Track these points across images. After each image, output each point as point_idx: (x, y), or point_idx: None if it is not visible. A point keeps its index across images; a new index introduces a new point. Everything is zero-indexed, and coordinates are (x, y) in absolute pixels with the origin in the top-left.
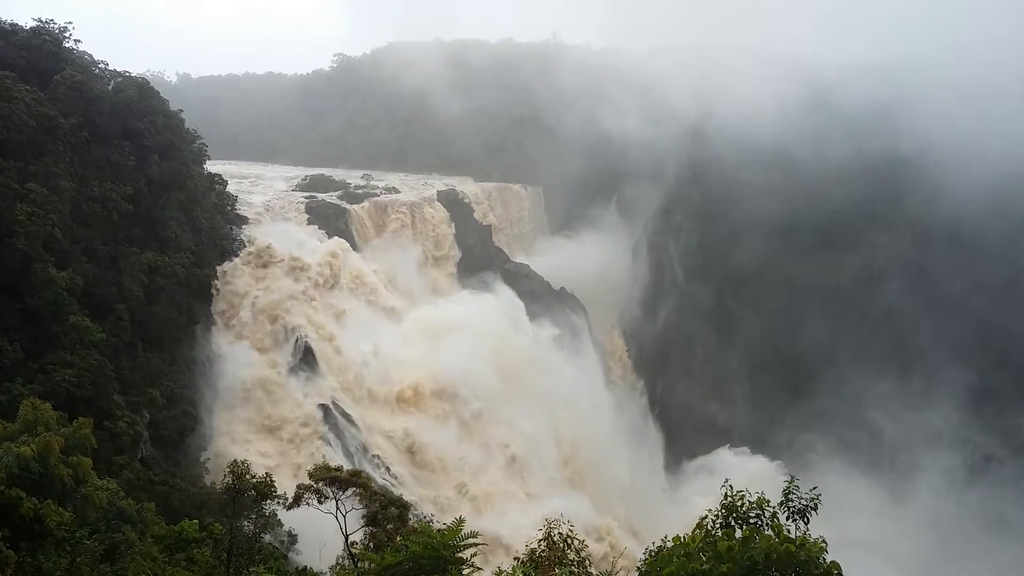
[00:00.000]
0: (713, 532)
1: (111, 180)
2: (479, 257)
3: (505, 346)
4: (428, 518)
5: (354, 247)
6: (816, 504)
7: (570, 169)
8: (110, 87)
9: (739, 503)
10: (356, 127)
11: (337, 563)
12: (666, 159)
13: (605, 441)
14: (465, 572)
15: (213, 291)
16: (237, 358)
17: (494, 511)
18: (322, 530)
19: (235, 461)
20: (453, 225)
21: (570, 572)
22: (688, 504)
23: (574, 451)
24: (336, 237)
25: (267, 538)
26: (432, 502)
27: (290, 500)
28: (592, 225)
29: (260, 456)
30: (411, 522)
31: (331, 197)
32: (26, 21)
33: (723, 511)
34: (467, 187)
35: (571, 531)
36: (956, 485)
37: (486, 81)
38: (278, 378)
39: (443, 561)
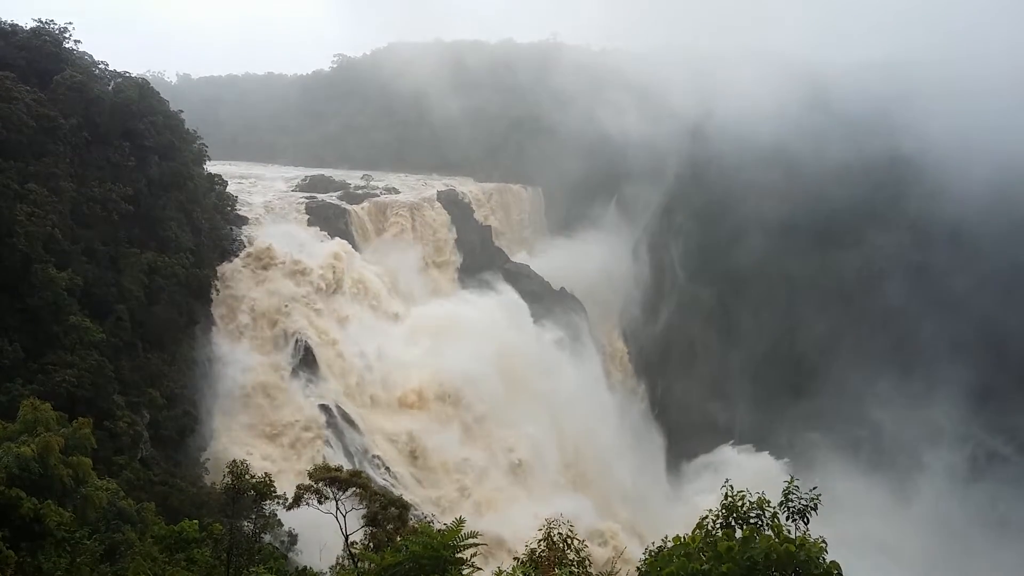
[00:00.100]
0: (713, 532)
1: (111, 180)
2: (479, 257)
3: (509, 349)
4: (428, 518)
5: (354, 247)
6: (816, 504)
7: (570, 169)
8: (110, 87)
9: (739, 503)
10: (356, 128)
11: (337, 563)
12: (666, 159)
13: (608, 444)
14: (465, 572)
15: (213, 292)
16: (237, 359)
17: (496, 513)
18: (322, 530)
19: (234, 461)
20: (453, 226)
21: (570, 572)
22: (691, 503)
23: (577, 455)
24: (337, 238)
25: (267, 538)
26: (433, 503)
27: (290, 500)
28: (592, 225)
29: (263, 460)
30: (411, 522)
31: (331, 197)
32: (26, 21)
33: (723, 511)
34: (467, 187)
35: (571, 531)
36: (959, 483)
37: (486, 81)
38: (280, 382)
39: (443, 561)
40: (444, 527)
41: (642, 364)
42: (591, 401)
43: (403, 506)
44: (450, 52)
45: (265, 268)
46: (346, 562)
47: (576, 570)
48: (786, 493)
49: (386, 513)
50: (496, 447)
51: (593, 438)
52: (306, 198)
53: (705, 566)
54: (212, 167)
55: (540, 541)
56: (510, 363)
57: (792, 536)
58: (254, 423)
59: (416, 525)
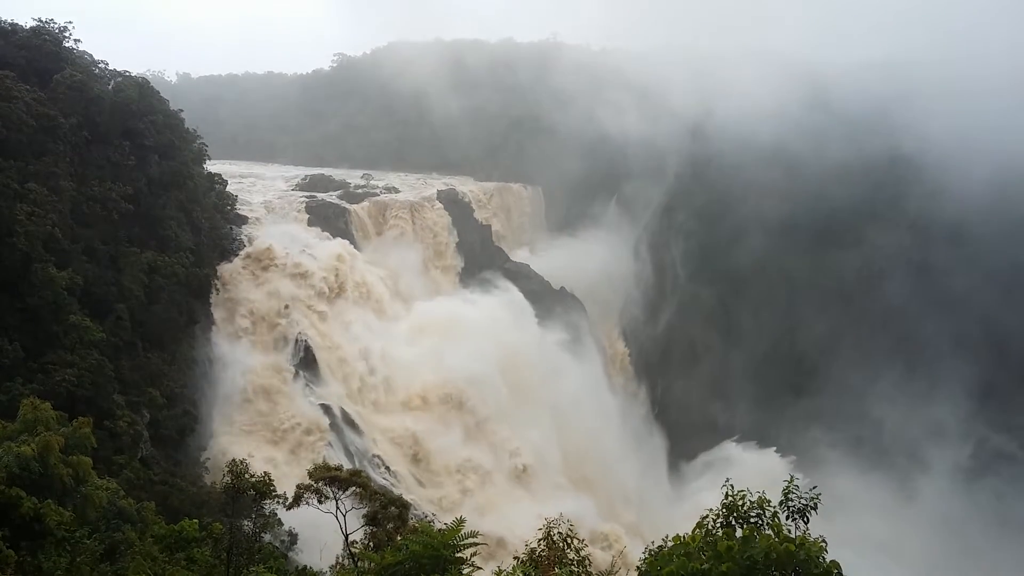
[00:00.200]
0: (713, 531)
1: (111, 180)
2: (479, 257)
3: (513, 351)
4: (429, 518)
5: (354, 246)
6: (816, 503)
7: (570, 169)
8: (110, 87)
9: (740, 502)
10: (356, 127)
11: (337, 563)
12: (666, 158)
13: (611, 447)
14: (465, 572)
15: (213, 292)
16: (238, 359)
17: (498, 514)
18: (322, 530)
19: (234, 460)
20: (453, 225)
21: (570, 572)
22: (693, 500)
23: (580, 459)
24: (339, 239)
25: (267, 538)
26: (435, 503)
27: (290, 500)
28: (592, 225)
29: (266, 464)
30: (411, 522)
31: (331, 197)
32: (26, 21)
33: (724, 510)
34: (467, 187)
35: (571, 530)
36: (961, 482)
37: (486, 81)
38: (282, 386)
39: (443, 561)
40: (444, 527)
41: (642, 364)
42: (594, 403)
43: (403, 505)
44: (450, 51)
45: (265, 269)
46: (346, 562)
47: (576, 570)
48: (786, 492)
49: (386, 512)
50: (500, 451)
51: (596, 441)
52: (306, 197)
53: (705, 565)
54: (212, 166)
55: (540, 541)
56: (514, 366)
57: (792, 535)
58: (255, 424)
59: (416, 525)
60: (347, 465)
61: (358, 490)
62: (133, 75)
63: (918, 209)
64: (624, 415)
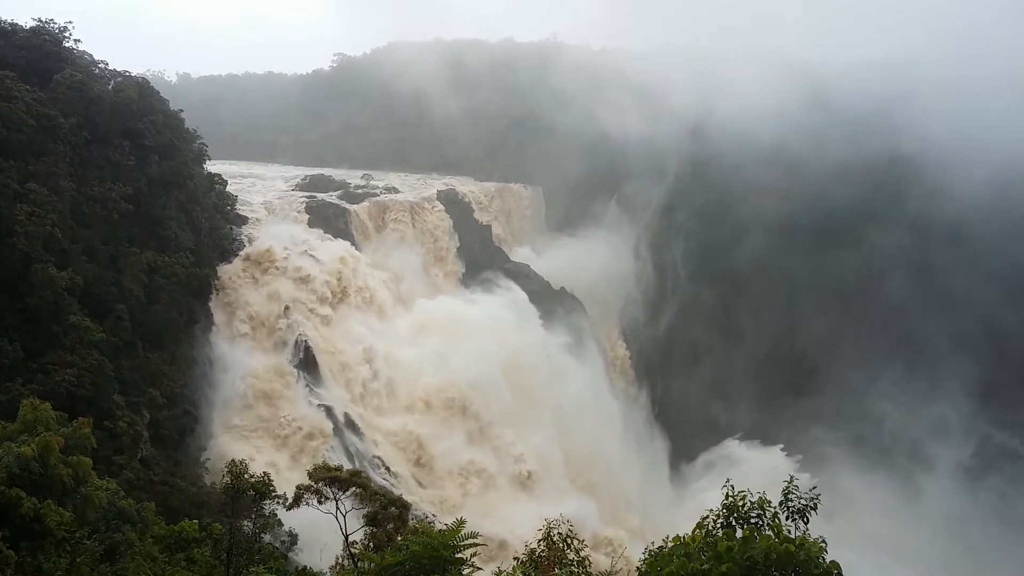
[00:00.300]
0: (714, 532)
1: (111, 180)
2: (479, 257)
3: (516, 353)
4: (429, 518)
5: (354, 246)
6: (816, 504)
7: (570, 169)
8: (110, 87)
9: (740, 503)
10: (356, 127)
11: (337, 563)
12: (666, 158)
13: (614, 451)
14: (465, 572)
15: (213, 292)
16: (238, 360)
17: (500, 516)
18: (323, 530)
19: (233, 461)
20: (453, 225)
21: (570, 572)
22: (697, 501)
23: (584, 464)
24: (340, 240)
25: (267, 538)
26: (436, 504)
27: (290, 500)
28: (592, 224)
29: (268, 469)
30: (411, 522)
31: (331, 197)
32: (26, 21)
33: (724, 511)
34: (467, 187)
35: (571, 531)
36: (964, 480)
37: (486, 81)
38: (284, 391)
39: (443, 561)
40: (444, 527)
41: (642, 366)
42: (596, 407)
43: (403, 506)
44: (450, 51)
45: (265, 272)
46: (346, 562)
47: (576, 570)
48: (785, 493)
49: (386, 513)
50: (504, 456)
51: (599, 445)
52: (306, 197)
53: (705, 566)
54: (212, 166)
55: (540, 541)
56: (517, 367)
57: (792, 536)
58: (256, 430)
59: (416, 525)
60: (348, 466)
61: (358, 491)
62: (133, 75)
63: (918, 209)
64: (626, 418)
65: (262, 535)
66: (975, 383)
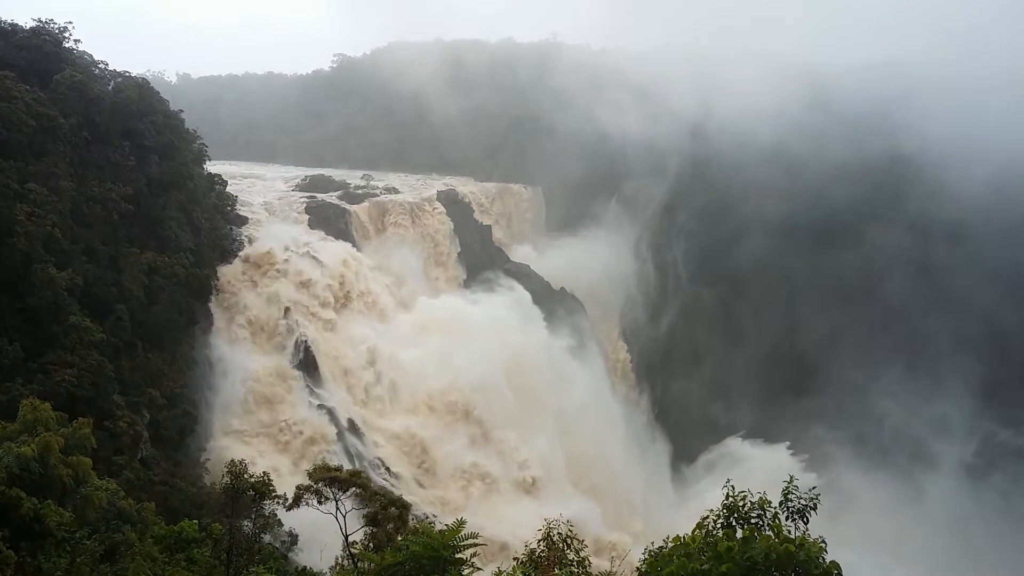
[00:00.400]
0: (714, 532)
1: (111, 180)
2: (479, 257)
3: (519, 355)
4: (429, 519)
5: (355, 247)
6: (815, 504)
7: (570, 169)
8: (110, 87)
9: (741, 503)
10: (356, 127)
11: (336, 563)
12: (666, 158)
13: (617, 455)
14: (465, 573)
15: (213, 293)
16: (238, 362)
17: (502, 518)
18: (323, 530)
19: (233, 461)
20: (453, 226)
21: (570, 573)
22: (699, 501)
23: (588, 469)
24: (342, 241)
25: (267, 538)
26: (437, 505)
27: (290, 501)
28: (592, 225)
29: (271, 473)
30: (411, 523)
31: (331, 197)
32: (26, 21)
33: (724, 511)
34: (467, 187)
35: (571, 531)
36: (966, 478)
37: (486, 81)
38: (286, 395)
39: (443, 561)
40: (445, 527)
41: (643, 367)
42: (599, 411)
43: (403, 506)
44: (450, 52)
45: (265, 275)
46: (345, 562)
47: (576, 571)
48: (785, 493)
49: (386, 513)
50: (508, 461)
51: (602, 450)
52: (306, 198)
53: (705, 566)
54: (212, 167)
55: (540, 541)
56: (520, 369)
57: (792, 536)
58: (256, 431)
59: (416, 525)
60: (348, 466)
61: (358, 491)
62: (133, 75)
63: (918, 209)
64: (628, 421)
65: (262, 535)
66: (977, 382)
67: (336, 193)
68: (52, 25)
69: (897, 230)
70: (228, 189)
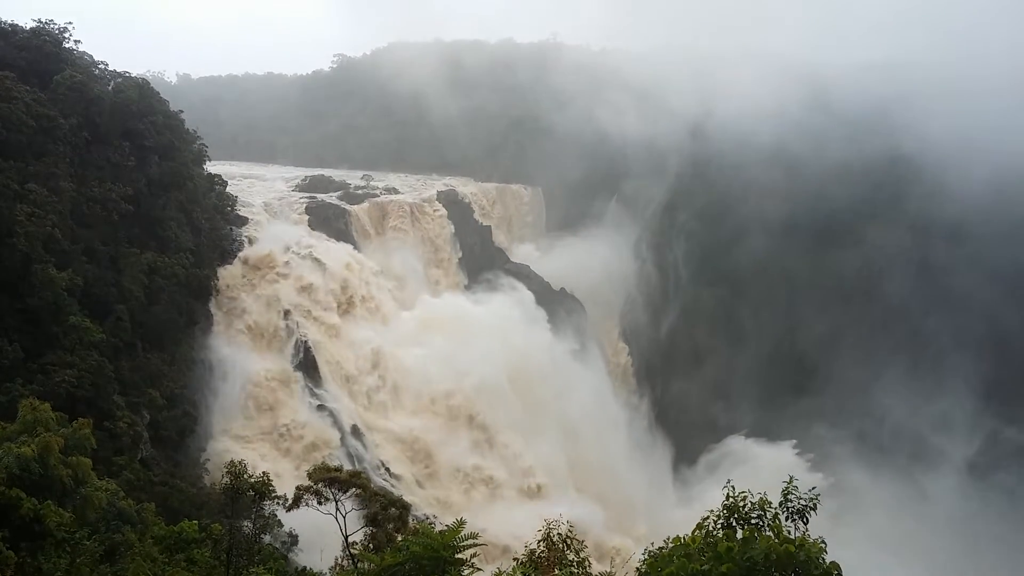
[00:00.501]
0: (714, 532)
1: (111, 180)
2: (479, 258)
3: (522, 356)
4: (430, 519)
5: (355, 248)
6: (815, 504)
7: (570, 169)
8: (110, 87)
9: (741, 504)
10: (356, 128)
11: (336, 564)
12: (666, 159)
13: (620, 460)
14: (465, 573)
15: (213, 293)
16: (238, 365)
17: (504, 520)
18: (323, 531)
19: (232, 461)
20: (453, 226)
21: (570, 573)
22: (702, 502)
23: (591, 472)
24: (344, 243)
25: (267, 539)
26: (439, 506)
27: (290, 501)
28: (592, 225)
29: (274, 479)
30: (411, 523)
31: (331, 198)
32: (26, 21)
33: (724, 511)
34: (467, 188)
35: (570, 531)
36: (971, 478)
37: (485, 81)
38: (288, 399)
39: (443, 562)
40: (445, 528)
41: (643, 368)
42: (602, 414)
43: (403, 506)
44: (450, 52)
45: (264, 278)
46: (345, 563)
47: (576, 571)
48: (785, 493)
49: (386, 514)
50: (512, 467)
51: (606, 455)
52: (306, 198)
53: (705, 566)
54: (212, 167)
55: (540, 542)
56: (523, 370)
57: (793, 536)
58: (258, 436)
59: (416, 526)
60: (348, 467)
61: (358, 491)
62: (133, 76)
63: (918, 209)
64: (630, 425)
65: (262, 536)
66: (979, 380)
67: (336, 193)
68: (52, 26)
69: (897, 230)
70: (228, 189)
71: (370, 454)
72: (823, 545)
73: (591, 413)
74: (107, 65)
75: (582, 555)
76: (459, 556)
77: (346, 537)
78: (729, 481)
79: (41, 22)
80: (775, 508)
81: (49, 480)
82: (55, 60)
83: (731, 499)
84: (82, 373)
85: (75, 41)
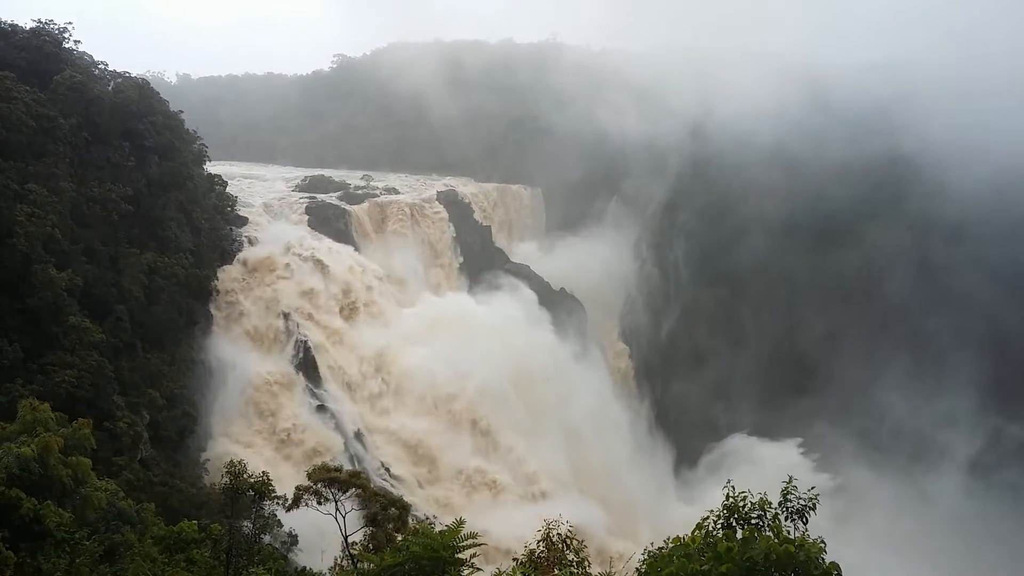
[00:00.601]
0: (714, 532)
1: (111, 181)
2: (479, 258)
3: (524, 357)
4: (430, 519)
5: (355, 248)
6: (815, 504)
7: (570, 169)
8: (110, 88)
9: (741, 504)
10: (356, 128)
11: (336, 564)
12: (666, 159)
13: (624, 463)
14: (465, 573)
15: (213, 294)
16: (238, 368)
17: (506, 522)
18: (324, 531)
19: (232, 461)
20: (453, 226)
21: (570, 573)
22: (705, 503)
23: (594, 476)
24: (346, 246)
25: (267, 539)
26: (440, 506)
27: (289, 501)
28: (592, 225)
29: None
30: (411, 523)
31: (331, 198)
32: (26, 22)
33: (724, 511)
34: (467, 188)
35: (570, 531)
36: (973, 476)
37: (485, 82)
38: (287, 402)
39: (443, 562)
40: (445, 528)
41: (643, 368)
42: (605, 418)
43: (403, 507)
44: (450, 52)
45: (261, 281)
46: (345, 563)
47: (575, 570)
48: (785, 493)
49: (386, 514)
50: (516, 473)
51: (609, 458)
52: (306, 198)
53: (705, 567)
54: (212, 167)
55: (539, 542)
56: (525, 370)
57: (792, 536)
58: (258, 440)
59: (416, 526)
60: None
61: (358, 492)
62: (133, 76)
63: (918, 209)
64: (632, 428)
65: (262, 536)
66: (982, 377)
67: (336, 194)
68: (52, 26)
69: (897, 230)
70: (228, 190)
71: (370, 454)
72: (823, 545)
73: (593, 415)
74: (107, 65)
75: (581, 555)
76: (459, 556)
77: (346, 537)
78: (729, 481)
79: (41, 22)
80: (775, 508)
81: (49, 480)
82: (55, 60)
83: (731, 499)
84: (82, 373)
85: (75, 41)
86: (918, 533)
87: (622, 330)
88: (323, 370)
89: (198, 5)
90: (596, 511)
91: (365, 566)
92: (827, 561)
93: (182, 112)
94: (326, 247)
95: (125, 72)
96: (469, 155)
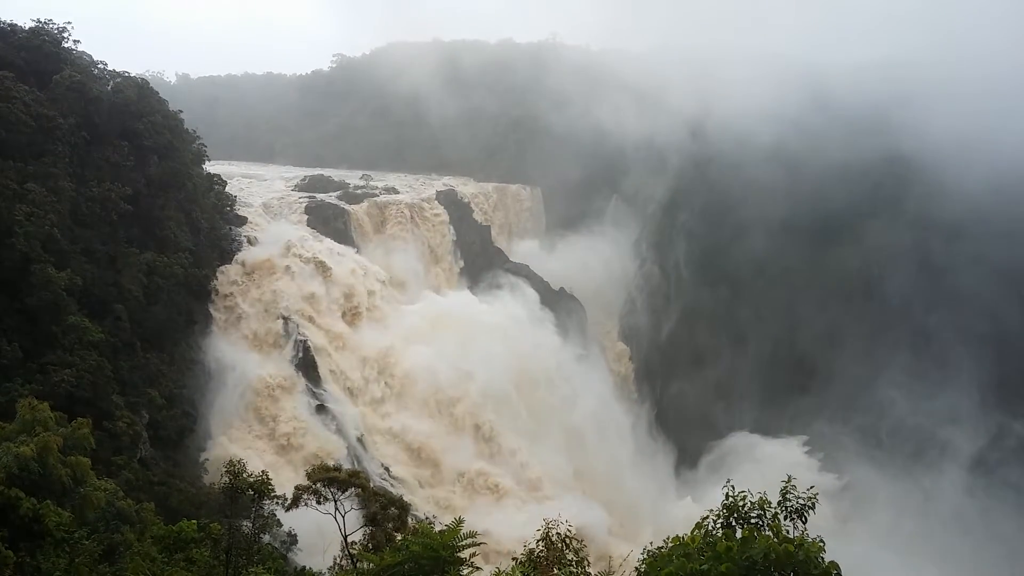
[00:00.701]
0: (713, 532)
1: (110, 180)
2: (479, 258)
3: (528, 360)
4: (429, 519)
5: (355, 248)
6: (814, 503)
7: (569, 169)
8: (109, 87)
9: (741, 503)
10: (355, 127)
11: (335, 563)
12: (666, 159)
13: (626, 465)
14: (465, 573)
15: (213, 295)
16: (238, 369)
17: (508, 523)
18: (323, 530)
19: (231, 460)
20: (453, 226)
21: (569, 573)
22: (706, 503)
23: (597, 480)
24: (347, 247)
25: (266, 538)
26: (440, 506)
27: (289, 501)
28: (592, 225)
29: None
30: (411, 523)
31: (330, 198)
32: (25, 21)
33: (724, 511)
34: (466, 187)
35: (570, 531)
36: (976, 475)
37: (484, 81)
38: (287, 404)
39: (442, 561)
40: (444, 528)
41: (644, 368)
42: (607, 420)
43: (403, 506)
44: (449, 52)
45: (261, 283)
46: (344, 562)
47: (575, 570)
48: (784, 493)
49: (386, 513)
50: (519, 477)
51: (611, 461)
52: (305, 198)
53: (704, 566)
54: (211, 167)
55: (539, 541)
56: (529, 376)
57: (792, 536)
58: (259, 443)
59: (416, 525)
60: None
61: (357, 491)
62: (132, 76)
63: (918, 208)
64: (634, 429)
65: (261, 535)
66: (984, 375)
67: (335, 193)
68: (51, 25)
69: (897, 229)
70: (227, 189)
71: (370, 455)
72: (822, 544)
73: (595, 417)
74: (106, 65)
75: (581, 555)
76: (459, 555)
77: (345, 537)
78: (729, 480)
79: (40, 22)
80: (774, 507)
81: (48, 480)
82: (54, 60)
83: (731, 498)
84: (81, 373)
85: (74, 41)
86: (920, 531)
87: (622, 330)
88: (323, 372)
89: (198, 5)
90: (598, 513)
91: (365, 565)
92: (826, 560)
93: (181, 112)
94: (327, 248)
95: (124, 72)
96: (468, 155)
